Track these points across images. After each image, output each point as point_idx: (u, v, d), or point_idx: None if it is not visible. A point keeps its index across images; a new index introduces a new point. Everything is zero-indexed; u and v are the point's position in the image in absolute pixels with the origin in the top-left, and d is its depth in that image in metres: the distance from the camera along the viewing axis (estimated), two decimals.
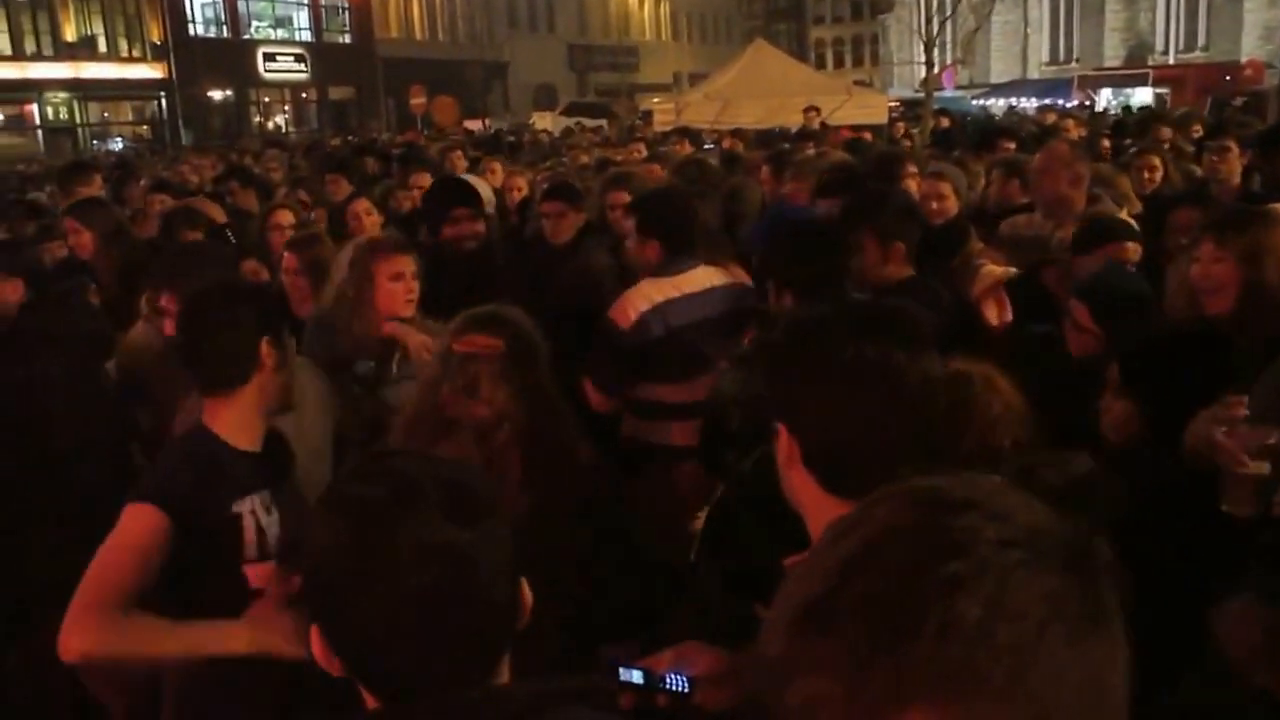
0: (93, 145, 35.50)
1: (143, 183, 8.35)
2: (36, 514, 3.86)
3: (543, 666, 1.35)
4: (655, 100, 24.76)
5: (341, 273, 4.00)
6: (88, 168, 8.11)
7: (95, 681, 4.15)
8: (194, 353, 2.57)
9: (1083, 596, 0.78)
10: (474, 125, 28.13)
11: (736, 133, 13.51)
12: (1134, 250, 3.97)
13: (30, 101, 36.16)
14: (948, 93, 34.38)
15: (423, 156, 10.24)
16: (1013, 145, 8.39)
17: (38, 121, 36.15)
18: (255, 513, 2.52)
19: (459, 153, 8.88)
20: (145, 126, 40.80)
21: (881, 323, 1.69)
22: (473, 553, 1.26)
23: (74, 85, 36.80)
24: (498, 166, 8.60)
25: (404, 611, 1.23)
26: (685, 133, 12.31)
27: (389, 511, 1.26)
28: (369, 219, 5.89)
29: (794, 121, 15.14)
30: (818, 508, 1.61)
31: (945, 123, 14.92)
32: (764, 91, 18.14)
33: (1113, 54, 48.50)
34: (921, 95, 22.15)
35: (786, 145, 9.56)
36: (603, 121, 23.89)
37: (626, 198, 5.53)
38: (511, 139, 18.72)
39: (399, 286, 3.71)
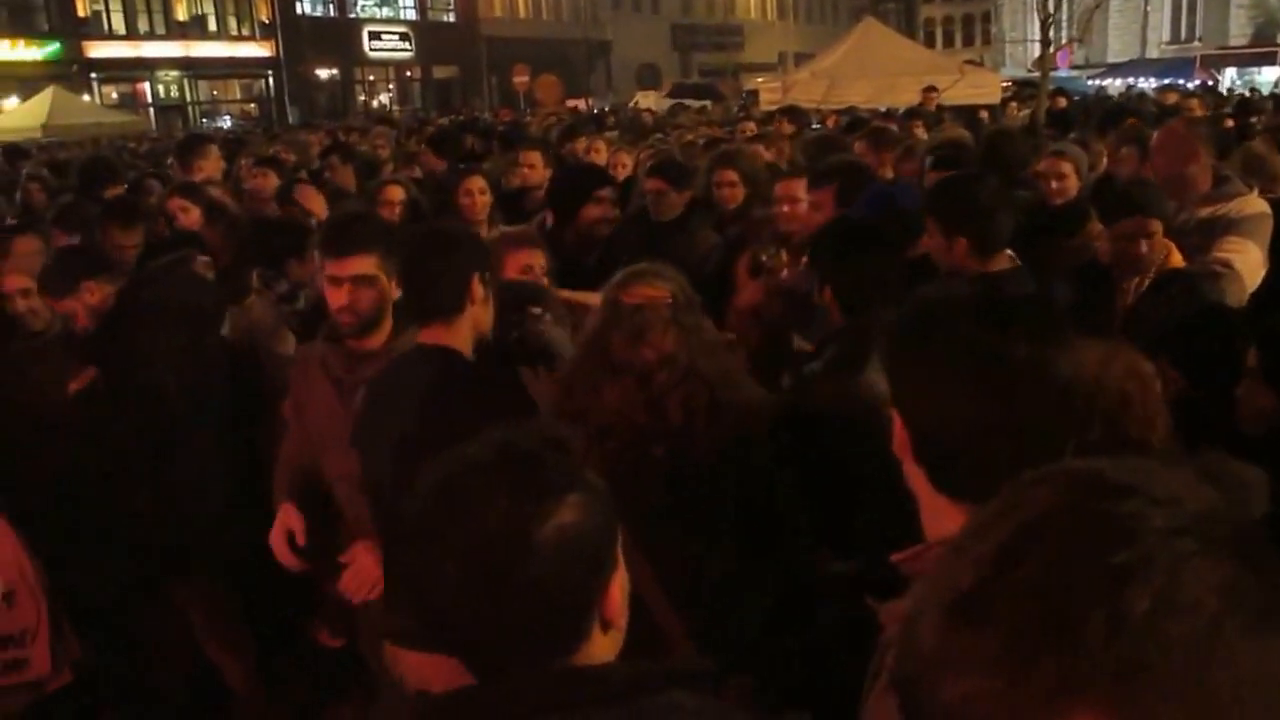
0: (201, 123, 36.33)
1: (245, 161, 8.42)
2: (151, 483, 3.99)
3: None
4: (760, 80, 24.43)
5: None
6: (206, 141, 8.23)
7: (213, 646, 4.18)
8: (418, 284, 2.90)
9: (1259, 587, 0.72)
10: (577, 104, 28.10)
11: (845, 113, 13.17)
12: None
13: (143, 80, 37.19)
14: (1062, 73, 33.41)
15: (526, 135, 10.15)
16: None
17: (149, 100, 37.09)
18: None
19: (601, 141, 8.72)
20: (253, 104, 41.65)
21: (1006, 311, 1.52)
22: (534, 533, 1.27)
23: (185, 64, 37.80)
24: (602, 144, 8.45)
25: (462, 585, 1.25)
26: (789, 112, 12.01)
27: (463, 483, 1.30)
28: (481, 198, 5.75)
29: (904, 101, 14.76)
30: (927, 505, 1.53)
31: (1062, 103, 14.32)
32: (873, 70, 17.72)
33: (1239, 32, 46.63)
34: (1035, 75, 21.45)
35: (893, 125, 9.26)
36: (707, 102, 23.65)
37: (734, 175, 5.51)
38: (614, 118, 18.59)
39: (527, 280, 3.84)
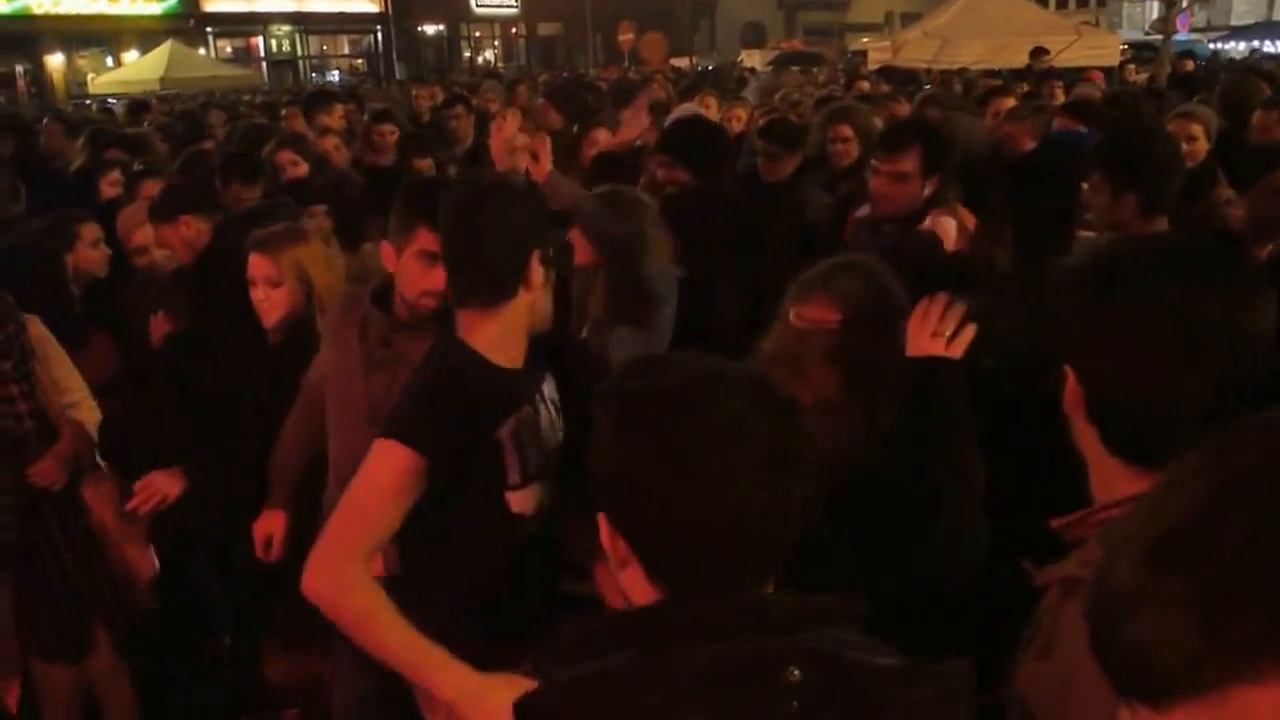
0: (311, 78, 36.90)
1: (365, 116, 8.58)
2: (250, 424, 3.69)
3: None
4: (865, 40, 24.02)
5: None
6: (331, 97, 8.37)
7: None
8: (457, 259, 2.32)
9: None
10: (681, 63, 27.95)
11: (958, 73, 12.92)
12: None
13: (256, 35, 37.83)
14: (1181, 36, 32.18)
15: (632, 91, 10.15)
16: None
17: (262, 54, 37.73)
18: (518, 434, 2.36)
19: (711, 97, 8.72)
20: (361, 60, 42.15)
21: (1201, 266, 1.41)
22: (777, 446, 1.22)
23: (296, 19, 38.38)
24: (712, 100, 8.43)
25: (702, 497, 1.20)
26: (886, 72, 11.82)
27: (694, 396, 1.24)
28: None
29: (1017, 62, 14.41)
30: (1099, 467, 1.45)
31: (1189, 66, 13.80)
32: (986, 30, 17.30)
33: None
34: (1153, 38, 20.76)
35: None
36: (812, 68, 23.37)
37: (849, 131, 5.47)
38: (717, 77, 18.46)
39: None
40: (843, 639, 1.20)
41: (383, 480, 2.21)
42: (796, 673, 1.13)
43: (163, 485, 3.48)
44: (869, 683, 1.17)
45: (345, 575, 2.15)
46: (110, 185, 6.18)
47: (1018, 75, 12.15)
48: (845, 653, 1.18)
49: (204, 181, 5.23)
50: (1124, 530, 0.81)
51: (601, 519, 1.29)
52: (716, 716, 1.12)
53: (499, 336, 2.33)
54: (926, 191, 3.74)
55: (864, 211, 4.01)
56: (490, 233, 2.26)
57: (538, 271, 2.31)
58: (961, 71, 13.16)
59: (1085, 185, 3.37)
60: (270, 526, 3.21)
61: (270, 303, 3.39)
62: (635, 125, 6.50)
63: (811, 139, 5.71)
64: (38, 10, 30.62)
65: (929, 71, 14.85)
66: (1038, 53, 14.15)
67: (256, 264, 3.39)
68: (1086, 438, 1.46)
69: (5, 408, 3.45)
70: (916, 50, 17.36)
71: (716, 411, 1.22)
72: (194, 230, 4.15)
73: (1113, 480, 1.43)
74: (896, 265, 2.47)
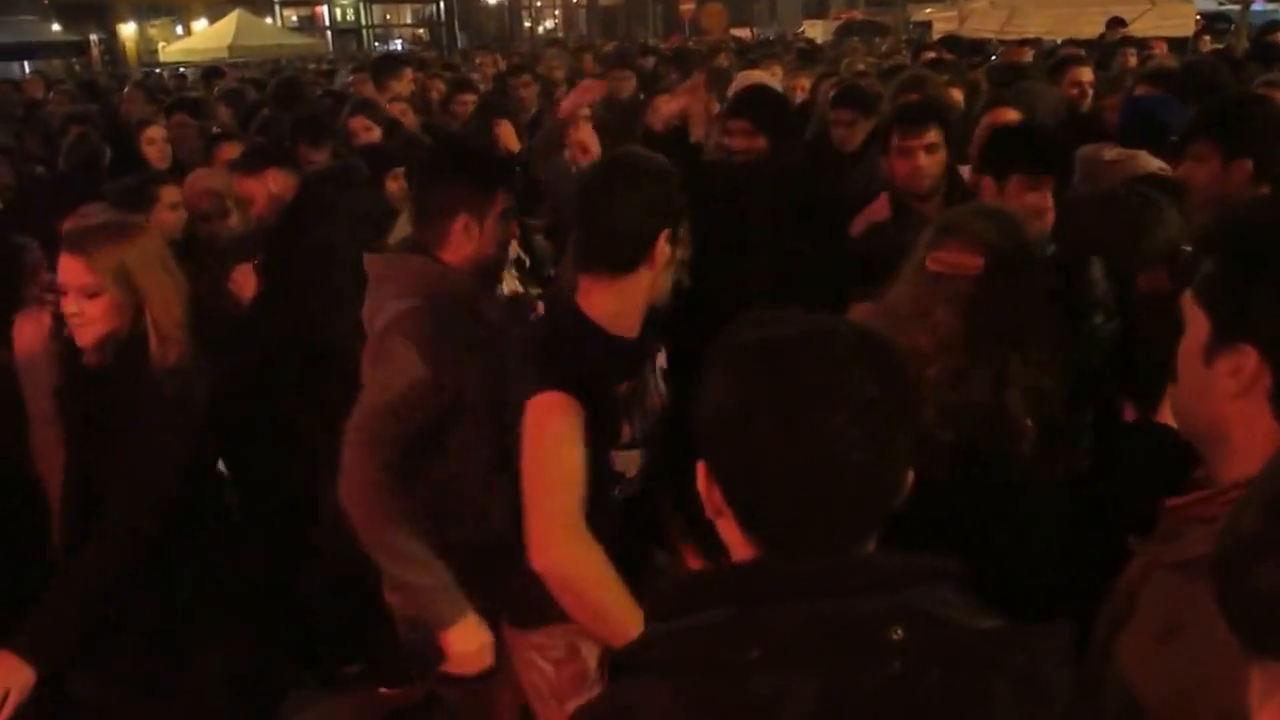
0: (374, 46, 37.10)
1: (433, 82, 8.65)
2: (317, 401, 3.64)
3: None
4: (930, 10, 23.65)
5: None
6: (401, 62, 8.42)
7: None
8: (588, 225, 2.37)
9: None
10: (741, 33, 27.71)
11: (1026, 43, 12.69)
12: None
13: (321, 3, 38.06)
14: (1257, 6, 31.34)
15: (694, 59, 10.13)
16: None
17: (327, 23, 38.00)
18: (630, 397, 2.42)
19: (777, 65, 8.69)
20: (423, 29, 42.30)
21: None
22: (886, 406, 1.20)
23: None
24: (778, 68, 8.39)
25: (802, 450, 1.18)
26: (952, 42, 11.64)
27: (804, 348, 1.23)
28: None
29: (1089, 33, 14.06)
30: (1261, 444, 1.30)
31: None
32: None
33: None
34: (1228, 8, 20.19)
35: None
36: (874, 38, 23.08)
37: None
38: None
39: None
40: (945, 599, 1.19)
41: (554, 431, 2.22)
42: (900, 632, 1.12)
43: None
44: (972, 644, 1.15)
45: (579, 543, 2.20)
46: (148, 144, 6.41)
47: (1089, 45, 11.93)
48: (948, 614, 1.17)
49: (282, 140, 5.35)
50: (1252, 487, 0.83)
51: (700, 466, 1.28)
52: (818, 673, 1.12)
53: (615, 306, 2.37)
54: None
55: (877, 214, 3.98)
56: (622, 204, 2.31)
57: (664, 251, 2.35)
58: (1037, 41, 12.91)
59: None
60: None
61: (83, 318, 2.70)
62: (692, 93, 6.47)
63: (882, 109, 5.65)
64: None
65: (997, 41, 14.60)
66: (1115, 23, 13.81)
67: (67, 268, 2.71)
68: (1257, 418, 1.31)
69: None
70: (983, 20, 17.02)
71: (825, 366, 1.21)
72: (280, 184, 4.24)
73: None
74: None
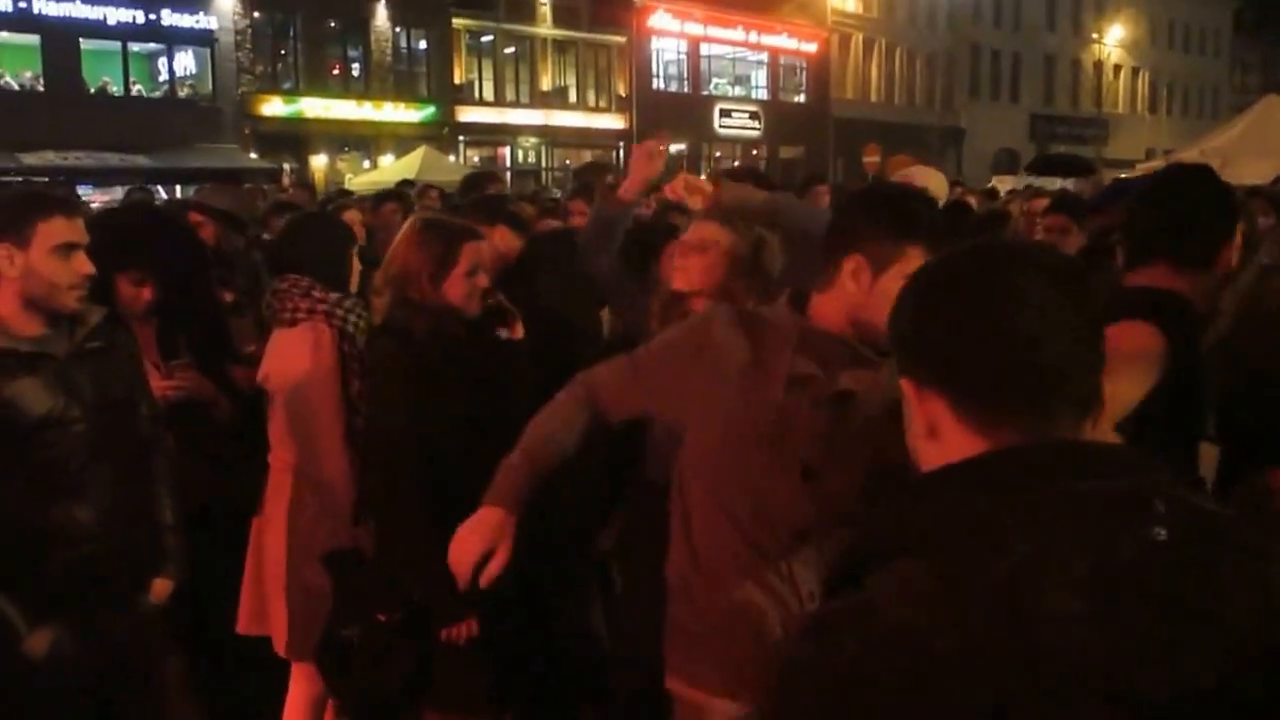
0: (551, 189, 37.76)
1: None
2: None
3: None
4: (1139, 166, 22.38)
5: None
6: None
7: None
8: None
9: None
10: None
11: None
12: None
13: (504, 144, 39.27)
14: None
15: None
16: None
17: (508, 164, 38.98)
18: None
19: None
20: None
21: None
22: (1071, 292, 1.26)
23: (543, 131, 39.73)
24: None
25: (1000, 322, 1.24)
26: None
27: (988, 258, 1.32)
28: None
29: None
30: None
31: None
32: (1273, 148, 15.55)
33: None
34: None
35: None
36: (1069, 182, 21.96)
37: None
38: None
39: None
40: (1178, 485, 1.19)
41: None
42: (1162, 506, 1.11)
43: None
44: (1223, 526, 1.14)
45: None
46: None
47: None
48: (1191, 496, 1.16)
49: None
50: None
51: (906, 385, 1.33)
52: (1084, 537, 1.08)
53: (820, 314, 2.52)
54: None
55: None
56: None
57: (855, 277, 2.41)
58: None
59: None
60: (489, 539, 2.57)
61: None
62: None
63: None
64: (309, 115, 33.01)
65: None
66: None
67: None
68: None
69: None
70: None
71: (1009, 270, 1.28)
72: (507, 242, 4.50)
73: None
74: None
